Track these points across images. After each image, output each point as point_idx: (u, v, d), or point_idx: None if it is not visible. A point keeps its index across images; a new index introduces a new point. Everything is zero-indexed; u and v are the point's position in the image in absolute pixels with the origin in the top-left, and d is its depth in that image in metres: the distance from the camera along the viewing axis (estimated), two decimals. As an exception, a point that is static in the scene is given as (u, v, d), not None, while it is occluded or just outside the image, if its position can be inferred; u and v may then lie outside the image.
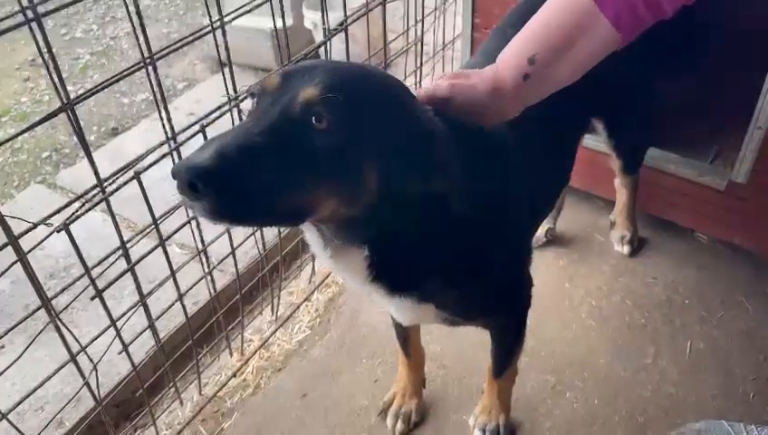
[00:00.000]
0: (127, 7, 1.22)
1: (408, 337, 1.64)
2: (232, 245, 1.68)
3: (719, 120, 2.14)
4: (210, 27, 1.40)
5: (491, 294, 1.27)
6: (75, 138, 1.19)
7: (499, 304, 1.34)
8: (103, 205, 1.28)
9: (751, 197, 1.87)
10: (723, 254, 2.09)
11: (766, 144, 1.75)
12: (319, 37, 3.45)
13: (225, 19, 1.44)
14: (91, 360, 1.36)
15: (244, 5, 1.52)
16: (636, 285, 2.03)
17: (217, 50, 1.50)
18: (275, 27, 1.63)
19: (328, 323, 2.01)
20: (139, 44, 1.26)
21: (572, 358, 1.83)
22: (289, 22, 3.54)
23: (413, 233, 0.99)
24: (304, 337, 1.98)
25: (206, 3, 1.40)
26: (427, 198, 0.94)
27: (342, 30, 1.78)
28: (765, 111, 1.71)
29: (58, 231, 1.16)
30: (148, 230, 1.45)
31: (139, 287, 1.43)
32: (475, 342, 1.80)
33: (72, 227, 1.21)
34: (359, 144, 0.83)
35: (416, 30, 2.17)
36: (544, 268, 2.10)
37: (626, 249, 2.11)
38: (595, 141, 2.03)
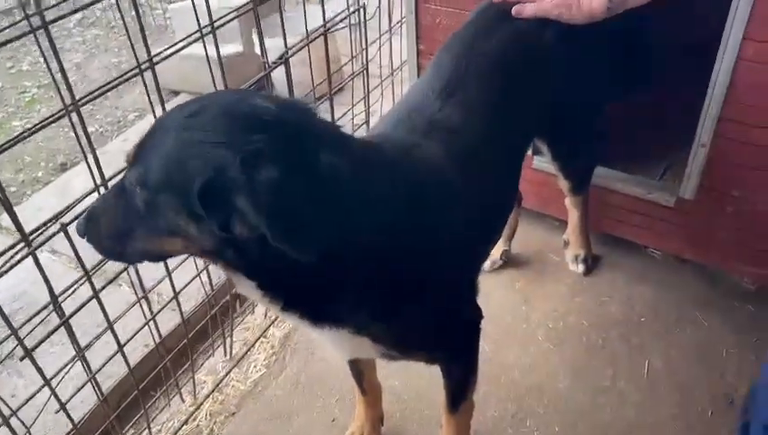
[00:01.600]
0: (44, 55, 1.16)
1: (362, 372, 1.59)
2: (174, 289, 1.63)
3: (667, 135, 2.15)
4: (138, 69, 1.36)
5: (429, 329, 1.22)
6: (22, 175, 1.15)
7: (440, 340, 1.28)
8: (51, 244, 1.24)
9: (699, 212, 1.88)
10: (676, 268, 2.09)
11: (710, 161, 1.77)
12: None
13: (156, 59, 1.40)
14: (24, 424, 1.29)
15: (185, 38, 1.48)
16: (592, 304, 2.02)
17: (157, 87, 1.45)
18: (219, 56, 1.58)
19: (284, 361, 1.96)
20: (60, 93, 1.20)
21: (531, 384, 1.81)
22: (239, 48, 3.50)
23: (296, 268, 0.89)
24: (260, 376, 1.92)
25: (131, 44, 1.35)
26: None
27: (282, 63, 1.74)
28: (707, 129, 1.73)
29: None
30: (82, 280, 1.39)
31: (74, 342, 1.37)
32: (433, 374, 1.77)
33: (17, 270, 1.19)
34: (163, 201, 0.89)
35: (361, 57, 2.15)
36: (501, 291, 2.08)
37: (580, 268, 2.10)
38: (544, 162, 2.03)
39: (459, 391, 1.47)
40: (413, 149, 1.17)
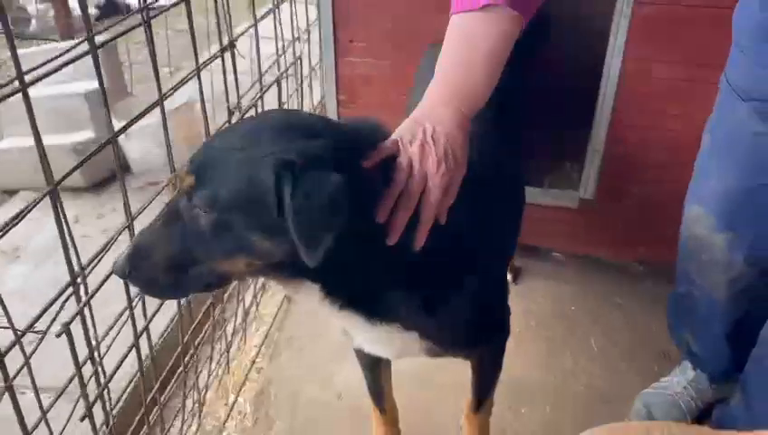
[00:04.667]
0: None
1: (382, 390, 1.60)
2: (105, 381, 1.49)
3: (561, 140, 2.38)
4: None
5: (476, 323, 1.29)
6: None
7: (484, 333, 1.36)
8: None
9: (600, 209, 2.21)
10: (590, 265, 2.40)
11: (605, 162, 2.11)
12: (129, 146, 3.23)
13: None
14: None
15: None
16: (532, 306, 2.25)
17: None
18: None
19: (267, 418, 1.84)
20: None
21: (511, 379, 1.89)
22: (91, 135, 3.26)
23: (359, 265, 1.00)
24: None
25: None
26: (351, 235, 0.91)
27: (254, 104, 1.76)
28: (599, 136, 2.08)
29: None
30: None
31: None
32: (434, 397, 1.84)
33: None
34: (235, 219, 0.90)
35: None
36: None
37: (509, 277, 2.32)
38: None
39: (487, 387, 1.55)
40: None
